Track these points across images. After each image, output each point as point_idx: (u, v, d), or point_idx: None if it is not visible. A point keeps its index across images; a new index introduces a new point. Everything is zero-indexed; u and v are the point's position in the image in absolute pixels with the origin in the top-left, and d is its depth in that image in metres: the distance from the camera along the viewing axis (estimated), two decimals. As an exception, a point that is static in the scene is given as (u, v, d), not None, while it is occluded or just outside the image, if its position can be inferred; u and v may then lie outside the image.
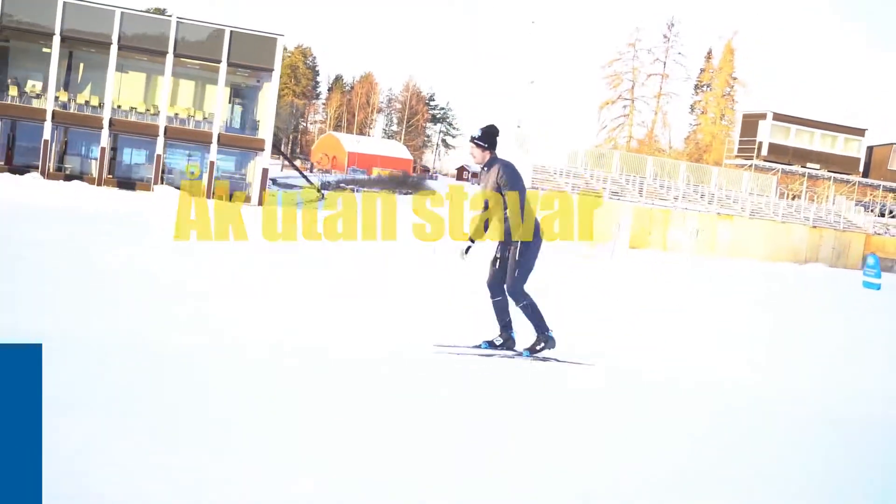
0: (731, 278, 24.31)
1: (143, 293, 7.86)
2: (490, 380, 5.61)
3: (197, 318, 6.76)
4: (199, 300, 7.80)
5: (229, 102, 38.98)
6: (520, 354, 6.41)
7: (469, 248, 6.42)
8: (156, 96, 37.99)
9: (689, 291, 17.40)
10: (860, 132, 47.37)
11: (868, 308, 17.31)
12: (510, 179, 6.25)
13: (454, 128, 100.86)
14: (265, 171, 37.29)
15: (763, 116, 45.46)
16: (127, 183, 36.36)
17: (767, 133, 44.99)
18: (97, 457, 3.19)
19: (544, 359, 6.37)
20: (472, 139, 6.39)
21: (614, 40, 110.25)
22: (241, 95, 40.77)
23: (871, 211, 46.00)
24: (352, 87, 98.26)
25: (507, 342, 6.50)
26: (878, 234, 43.17)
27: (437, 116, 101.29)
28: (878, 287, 23.38)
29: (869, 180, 47.83)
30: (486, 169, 6.40)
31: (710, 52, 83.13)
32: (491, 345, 6.51)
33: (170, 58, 35.38)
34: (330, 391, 4.83)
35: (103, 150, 35.37)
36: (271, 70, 36.70)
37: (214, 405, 4.22)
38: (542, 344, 6.37)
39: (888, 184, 47.63)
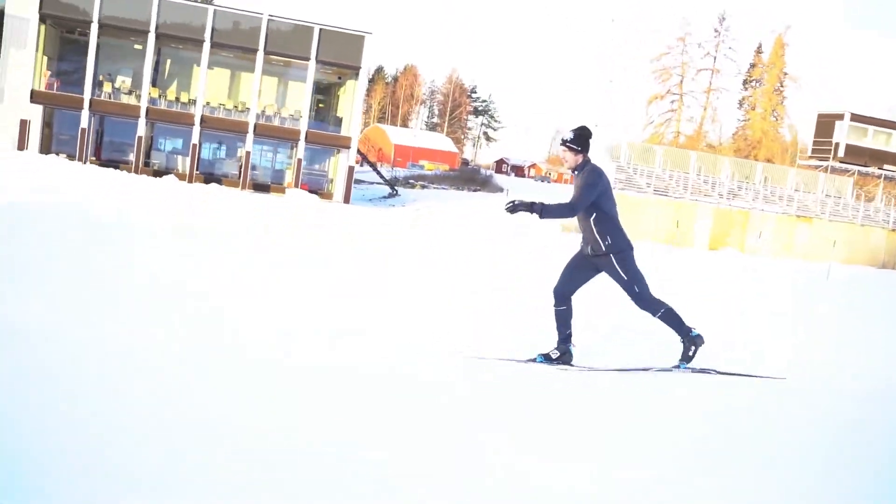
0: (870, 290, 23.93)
1: (143, 293, 7.74)
2: (490, 380, 5.55)
3: (197, 318, 6.71)
4: (199, 300, 7.74)
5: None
6: (555, 366, 6.14)
7: (520, 209, 5.68)
8: (240, 92, 38.08)
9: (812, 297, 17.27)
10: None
11: None
12: (587, 184, 5.87)
13: (496, 120, 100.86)
14: (351, 169, 37.30)
15: (840, 117, 45.01)
16: (212, 178, 36.54)
17: (844, 134, 44.55)
18: (97, 456, 3.16)
19: (645, 369, 6.04)
20: (564, 142, 5.97)
21: (663, 34, 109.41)
22: (321, 92, 40.80)
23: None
24: (395, 79, 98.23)
25: (565, 356, 6.19)
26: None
27: (479, 109, 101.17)
28: None
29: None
30: (576, 173, 6.06)
31: (759, 47, 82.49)
32: (547, 358, 6.20)
33: (260, 55, 35.43)
34: (330, 392, 4.78)
35: (195, 146, 35.52)
36: (359, 68, 36.64)
37: (214, 405, 4.16)
38: (694, 347, 6.08)
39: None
